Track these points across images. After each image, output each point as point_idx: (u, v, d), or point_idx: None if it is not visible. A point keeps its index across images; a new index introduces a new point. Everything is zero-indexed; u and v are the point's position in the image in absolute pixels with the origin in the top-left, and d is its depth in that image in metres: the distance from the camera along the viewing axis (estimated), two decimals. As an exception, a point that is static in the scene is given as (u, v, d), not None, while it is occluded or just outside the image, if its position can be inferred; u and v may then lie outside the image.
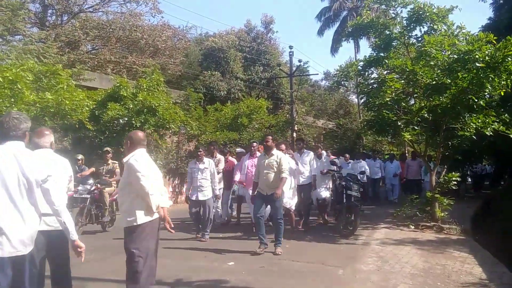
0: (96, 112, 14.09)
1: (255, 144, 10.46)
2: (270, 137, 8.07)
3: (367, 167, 15.05)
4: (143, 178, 4.41)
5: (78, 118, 12.59)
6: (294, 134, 25.08)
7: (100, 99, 14.92)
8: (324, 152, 12.07)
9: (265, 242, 7.73)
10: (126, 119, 14.17)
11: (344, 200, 9.44)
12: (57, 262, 4.49)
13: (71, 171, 4.73)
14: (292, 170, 9.29)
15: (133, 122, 13.95)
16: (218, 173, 10.05)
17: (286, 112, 27.66)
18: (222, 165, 10.64)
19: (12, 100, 10.59)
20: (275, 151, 7.99)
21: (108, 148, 11.26)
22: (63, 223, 3.63)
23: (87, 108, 13.01)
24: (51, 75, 12.60)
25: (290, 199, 9.39)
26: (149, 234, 4.49)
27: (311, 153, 10.65)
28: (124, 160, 4.64)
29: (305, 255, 7.57)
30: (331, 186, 11.31)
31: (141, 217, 4.45)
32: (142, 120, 14.17)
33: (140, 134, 4.85)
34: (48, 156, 4.37)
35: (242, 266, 6.80)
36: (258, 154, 9.67)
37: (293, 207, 9.69)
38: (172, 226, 4.76)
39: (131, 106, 14.34)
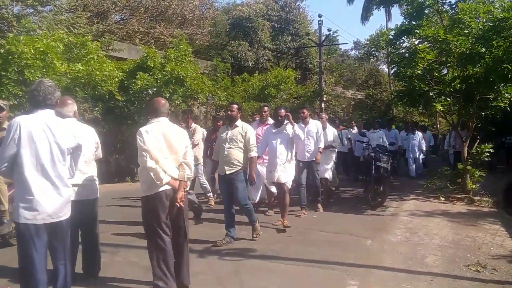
0: (125, 82, 14.21)
1: (266, 108, 9.08)
2: (236, 105, 6.59)
3: (385, 139, 13.22)
4: (145, 153, 4.21)
5: (108, 89, 12.74)
6: (323, 105, 24.84)
7: (128, 69, 15.03)
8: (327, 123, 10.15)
9: (231, 235, 6.41)
10: (154, 89, 14.25)
11: (373, 171, 9.35)
12: (86, 230, 4.68)
13: (97, 138, 4.83)
14: (292, 142, 7.76)
15: (162, 92, 14.02)
16: (194, 145, 8.64)
17: (315, 83, 27.34)
18: (199, 136, 9.34)
19: (44, 70, 10.77)
20: (239, 122, 6.47)
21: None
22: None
23: (116, 79, 13.13)
24: (81, 45, 12.73)
25: (283, 173, 7.55)
26: (157, 205, 4.30)
27: (319, 123, 9.04)
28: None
29: (332, 225, 7.58)
30: (333, 165, 9.99)
31: (145, 189, 4.35)
32: (171, 91, 14.23)
33: (158, 101, 4.55)
34: (74, 125, 4.46)
35: (269, 235, 6.86)
36: (270, 121, 8.67)
37: (290, 183, 7.73)
38: (182, 200, 4.38)
39: (159, 77, 14.41)
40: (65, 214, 3.57)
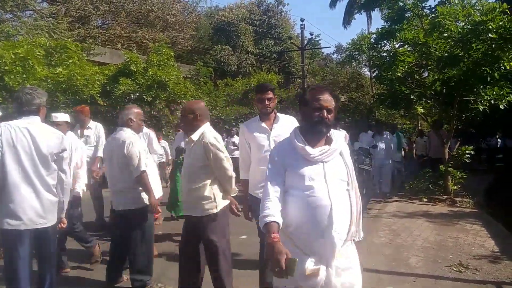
0: (108, 87, 14.11)
1: None
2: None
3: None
4: (226, 159, 3.88)
5: (90, 93, 12.63)
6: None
7: (111, 74, 14.93)
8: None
9: None
10: (137, 94, 14.18)
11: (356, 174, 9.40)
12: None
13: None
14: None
15: (144, 97, 13.95)
16: None
17: (298, 86, 27.48)
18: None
19: (24, 76, 10.63)
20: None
21: None
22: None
23: (98, 83, 13.03)
24: (61, 49, 12.61)
25: None
26: (227, 219, 4.09)
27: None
28: (194, 137, 3.89)
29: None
30: None
31: (221, 202, 3.94)
32: (153, 95, 14.18)
33: (204, 104, 4.18)
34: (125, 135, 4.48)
35: (255, 239, 6.84)
36: None
37: None
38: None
39: (142, 81, 14.33)
40: (50, 220, 3.51)
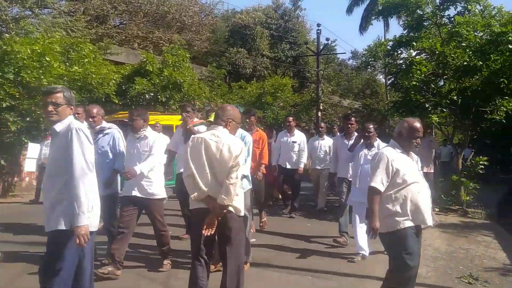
0: (123, 86, 14.23)
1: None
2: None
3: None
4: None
5: (105, 92, 12.74)
6: (319, 114, 24.88)
7: (126, 73, 15.05)
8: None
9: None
10: (152, 94, 14.27)
11: None
12: None
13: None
14: None
15: (159, 97, 14.04)
16: None
17: (312, 91, 27.39)
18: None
19: (41, 71, 10.74)
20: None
21: None
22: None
23: (114, 82, 13.14)
24: (77, 47, 12.74)
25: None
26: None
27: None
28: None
29: (327, 235, 7.55)
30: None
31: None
32: (168, 96, 14.27)
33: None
34: None
35: (263, 243, 6.84)
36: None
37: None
38: None
39: (157, 82, 14.43)
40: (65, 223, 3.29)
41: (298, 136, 9.26)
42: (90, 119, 5.35)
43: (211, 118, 5.30)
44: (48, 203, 3.26)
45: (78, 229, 3.09)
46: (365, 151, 6.08)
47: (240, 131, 5.20)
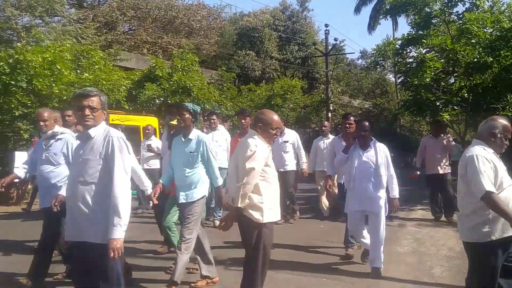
0: (133, 92, 14.33)
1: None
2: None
3: None
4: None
5: (116, 98, 12.83)
6: (329, 114, 24.84)
7: (136, 79, 15.16)
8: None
9: None
10: (162, 99, 14.36)
11: None
12: None
13: None
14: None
15: (169, 101, 14.11)
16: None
17: (321, 92, 27.34)
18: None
19: (52, 79, 10.86)
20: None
21: None
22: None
23: (124, 88, 13.23)
24: (87, 54, 12.86)
25: None
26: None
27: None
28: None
29: (338, 236, 7.51)
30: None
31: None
32: (178, 100, 14.33)
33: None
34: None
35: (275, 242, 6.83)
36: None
37: None
38: None
39: (166, 86, 14.51)
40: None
41: (290, 135, 8.60)
42: (41, 123, 4.73)
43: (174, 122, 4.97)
44: (78, 210, 3.04)
45: (114, 242, 2.86)
46: (360, 152, 5.36)
47: (197, 132, 4.76)
